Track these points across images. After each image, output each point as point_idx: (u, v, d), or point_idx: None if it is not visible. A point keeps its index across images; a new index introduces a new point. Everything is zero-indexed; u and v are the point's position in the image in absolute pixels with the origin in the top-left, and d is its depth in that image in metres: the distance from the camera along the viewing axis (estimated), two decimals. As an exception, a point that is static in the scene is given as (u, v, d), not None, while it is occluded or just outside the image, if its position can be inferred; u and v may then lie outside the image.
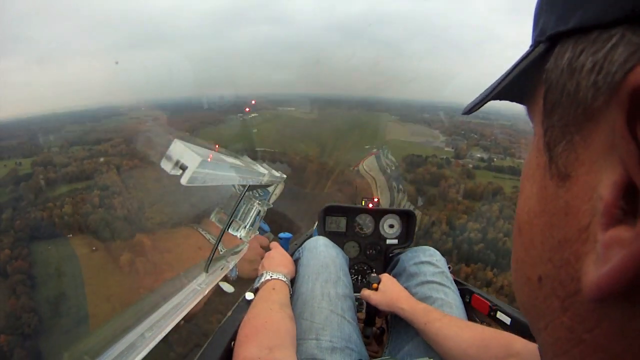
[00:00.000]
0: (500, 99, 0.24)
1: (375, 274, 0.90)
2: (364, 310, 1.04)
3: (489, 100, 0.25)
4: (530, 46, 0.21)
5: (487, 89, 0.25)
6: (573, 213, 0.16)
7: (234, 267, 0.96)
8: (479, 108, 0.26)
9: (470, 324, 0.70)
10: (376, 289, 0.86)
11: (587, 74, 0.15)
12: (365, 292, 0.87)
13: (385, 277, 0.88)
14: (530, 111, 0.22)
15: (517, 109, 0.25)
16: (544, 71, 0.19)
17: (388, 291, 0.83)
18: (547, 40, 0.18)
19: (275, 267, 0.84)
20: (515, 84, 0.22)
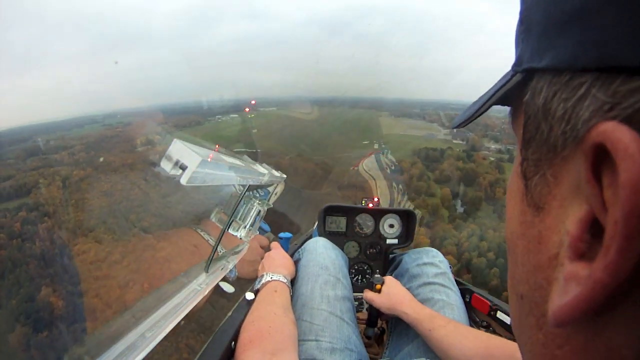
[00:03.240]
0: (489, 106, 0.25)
1: (379, 275, 0.89)
2: (364, 310, 1.03)
3: (477, 117, 0.26)
4: (511, 69, 0.21)
5: (473, 105, 0.26)
6: (545, 242, 0.17)
7: (233, 268, 0.96)
8: (467, 124, 0.27)
9: (476, 331, 0.70)
10: (379, 290, 0.86)
11: (558, 121, 0.16)
12: (369, 295, 0.87)
13: (389, 280, 0.88)
14: (514, 128, 0.23)
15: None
16: (523, 102, 0.19)
17: (392, 294, 0.83)
18: (523, 71, 0.19)
19: (276, 268, 0.84)
20: (503, 96, 0.22)
